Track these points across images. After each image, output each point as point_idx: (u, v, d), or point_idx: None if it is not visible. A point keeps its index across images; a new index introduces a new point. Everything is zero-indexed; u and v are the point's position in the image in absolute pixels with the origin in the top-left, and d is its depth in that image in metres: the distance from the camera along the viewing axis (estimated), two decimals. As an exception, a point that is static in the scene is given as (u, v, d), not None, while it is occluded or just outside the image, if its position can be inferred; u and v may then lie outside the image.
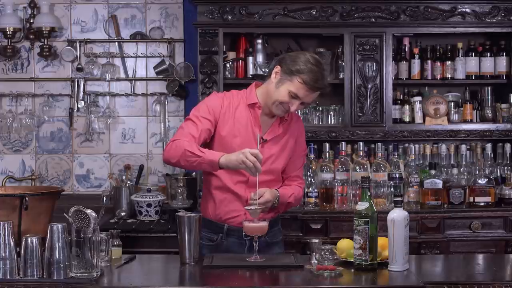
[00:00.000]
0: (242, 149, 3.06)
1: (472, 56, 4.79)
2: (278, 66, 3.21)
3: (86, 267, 2.73)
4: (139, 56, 5.03)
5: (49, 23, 4.89)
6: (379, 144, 4.57)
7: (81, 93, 5.00)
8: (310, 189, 4.43)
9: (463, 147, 4.67)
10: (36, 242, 2.74)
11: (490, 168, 4.62)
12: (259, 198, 3.11)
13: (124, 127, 5.07)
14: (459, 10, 4.64)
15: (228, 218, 3.29)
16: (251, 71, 4.79)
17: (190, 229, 3.02)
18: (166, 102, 5.03)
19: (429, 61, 4.82)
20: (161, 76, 5.01)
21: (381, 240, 2.91)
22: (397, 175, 4.50)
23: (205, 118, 3.23)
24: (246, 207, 3.12)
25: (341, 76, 4.73)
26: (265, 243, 3.27)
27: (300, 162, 3.44)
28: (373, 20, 4.63)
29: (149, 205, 4.60)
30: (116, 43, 5.03)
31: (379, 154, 4.55)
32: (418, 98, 4.79)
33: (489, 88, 4.83)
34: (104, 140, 5.06)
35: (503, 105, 4.74)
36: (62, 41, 5.03)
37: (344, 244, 3.01)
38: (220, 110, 3.26)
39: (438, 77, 4.80)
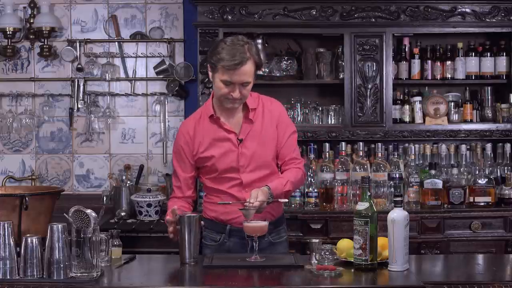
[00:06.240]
0: (224, 159, 3.21)
1: (472, 56, 4.79)
2: (207, 66, 3.24)
3: (86, 267, 2.73)
4: (139, 56, 5.03)
5: (49, 23, 4.88)
6: (379, 144, 4.57)
7: (81, 93, 5.00)
8: (310, 189, 4.44)
9: (463, 147, 4.67)
10: (36, 242, 2.74)
11: (490, 168, 4.62)
12: (255, 201, 3.07)
13: (124, 127, 5.06)
14: (459, 10, 4.64)
15: (229, 219, 3.29)
16: (251, 71, 4.77)
17: (190, 229, 3.02)
18: (166, 102, 5.03)
19: (429, 61, 4.82)
20: (161, 76, 5.01)
21: (381, 240, 2.91)
22: (397, 175, 4.50)
23: (182, 159, 3.32)
24: (240, 209, 3.10)
25: (341, 76, 4.73)
26: (269, 243, 3.28)
27: (292, 143, 3.34)
28: (373, 20, 4.63)
29: (149, 205, 4.60)
30: (116, 43, 5.03)
31: (379, 154, 4.55)
32: (418, 98, 4.79)
33: (489, 88, 4.83)
34: (104, 140, 5.06)
35: (503, 105, 4.74)
36: (62, 41, 5.03)
37: (344, 244, 3.01)
38: (188, 139, 3.29)
39: (438, 77, 4.80)
